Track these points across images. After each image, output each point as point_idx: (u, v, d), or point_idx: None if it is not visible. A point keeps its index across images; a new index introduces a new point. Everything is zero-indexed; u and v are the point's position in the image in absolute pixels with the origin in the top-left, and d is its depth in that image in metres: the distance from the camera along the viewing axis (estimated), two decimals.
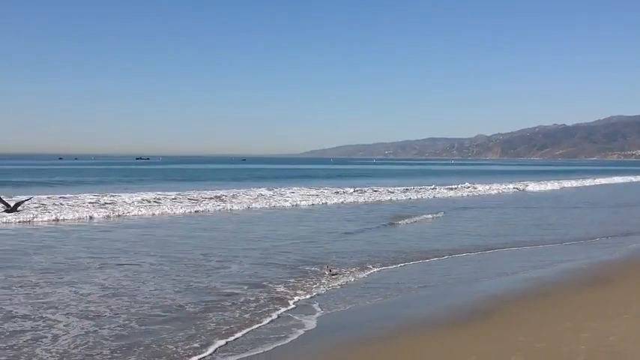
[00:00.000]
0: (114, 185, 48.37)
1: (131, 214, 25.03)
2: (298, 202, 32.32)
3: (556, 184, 56.18)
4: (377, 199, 36.86)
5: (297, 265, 13.83)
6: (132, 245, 16.79)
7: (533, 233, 20.84)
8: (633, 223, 24.83)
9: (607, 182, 66.96)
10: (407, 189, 43.09)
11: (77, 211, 24.22)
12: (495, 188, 47.78)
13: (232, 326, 8.90)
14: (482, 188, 46.72)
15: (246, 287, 11.48)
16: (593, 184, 62.72)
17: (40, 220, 22.34)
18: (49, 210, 24.27)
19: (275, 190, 38.90)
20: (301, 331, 8.75)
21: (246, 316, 9.49)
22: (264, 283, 11.90)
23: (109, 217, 24.00)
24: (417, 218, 24.94)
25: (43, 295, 10.70)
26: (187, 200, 30.26)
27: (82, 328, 8.69)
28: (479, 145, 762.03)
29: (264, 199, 32.95)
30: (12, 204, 23.70)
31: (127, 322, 9.07)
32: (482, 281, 12.50)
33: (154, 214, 25.39)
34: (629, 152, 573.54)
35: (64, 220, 22.72)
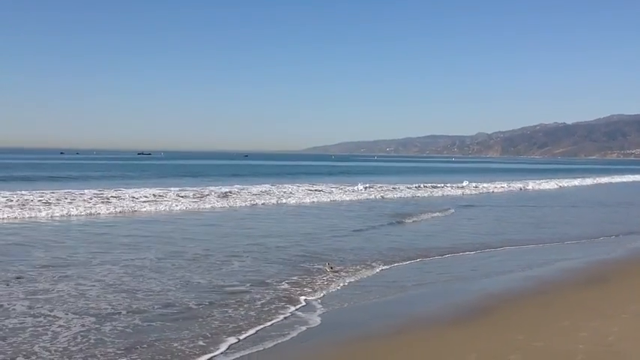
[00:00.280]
0: (116, 181, 48.44)
1: (133, 209, 25.09)
2: (302, 199, 32.37)
3: (557, 183, 56.19)
4: (383, 196, 36.91)
5: (300, 262, 13.88)
6: (133, 241, 16.84)
7: (532, 232, 20.91)
8: (632, 222, 24.88)
9: (607, 181, 66.98)
10: (411, 186, 43.20)
11: (79, 207, 24.28)
12: (498, 186, 47.82)
13: (238, 324, 8.90)
14: (485, 186, 46.75)
15: (249, 284, 11.52)
16: (593, 183, 62.73)
17: (43, 215, 22.38)
18: (52, 205, 24.34)
19: (279, 186, 38.93)
20: (303, 328, 8.81)
21: (252, 313, 9.52)
22: (267, 280, 11.94)
23: (110, 212, 24.05)
24: (423, 216, 25.00)
25: (42, 291, 10.71)
26: (190, 196, 30.32)
27: (83, 325, 8.67)
28: (480, 142, 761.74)
29: (268, 195, 33.02)
30: None
31: (129, 319, 9.07)
32: (482, 279, 12.55)
33: (156, 210, 25.46)
34: (628, 151, 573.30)
35: (68, 215, 22.77)
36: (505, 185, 49.32)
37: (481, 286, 11.86)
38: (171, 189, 33.48)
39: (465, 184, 46.77)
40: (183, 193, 31.31)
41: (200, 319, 9.11)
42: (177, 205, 26.91)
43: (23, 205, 24.26)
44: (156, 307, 9.78)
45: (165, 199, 28.91)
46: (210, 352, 7.71)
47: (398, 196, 37.63)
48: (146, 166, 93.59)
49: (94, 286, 11.17)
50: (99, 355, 7.50)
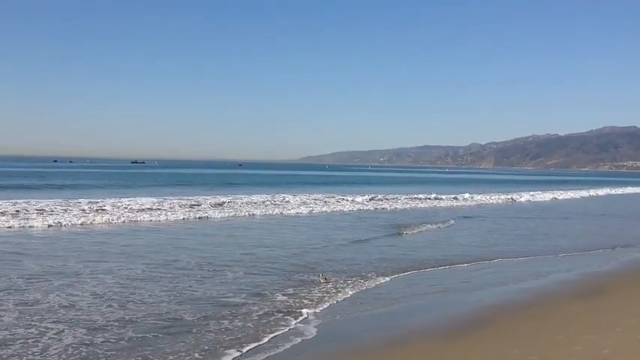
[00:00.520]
0: (110, 190, 48.09)
1: (128, 219, 24.91)
2: (298, 209, 32.30)
3: (552, 195, 56.48)
4: (382, 207, 36.88)
5: (294, 274, 13.82)
6: (125, 251, 16.73)
7: (526, 244, 20.92)
8: (626, 235, 24.94)
9: (601, 194, 67.19)
10: (411, 197, 43.28)
11: (74, 216, 24.16)
12: (494, 198, 47.87)
13: (236, 337, 8.83)
14: (480, 198, 46.82)
15: (243, 295, 11.47)
16: (588, 195, 62.97)
17: (37, 224, 22.18)
18: (45, 214, 24.21)
19: (274, 195, 38.80)
20: (298, 340, 8.76)
21: (249, 325, 9.46)
22: (262, 291, 11.89)
23: (105, 222, 23.89)
24: (423, 227, 24.85)
25: (33, 301, 10.59)
26: (185, 205, 30.21)
27: (75, 337, 8.57)
28: (473, 153, 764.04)
29: (263, 205, 32.97)
30: None
31: (121, 330, 8.98)
32: (476, 291, 12.52)
33: (151, 220, 25.31)
34: (620, 163, 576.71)
35: (59, 224, 22.55)
36: (503, 197, 49.42)
37: (477, 297, 11.84)
38: (166, 198, 33.40)
39: (466, 195, 46.89)
40: (178, 203, 31.18)
41: (194, 331, 9.03)
42: (172, 215, 26.77)
43: (17, 213, 24.12)
44: (149, 318, 9.69)
45: (160, 208, 28.78)
46: None
47: (398, 207, 37.54)
48: (140, 174, 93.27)
49: (85, 296, 11.07)
50: None
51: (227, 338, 8.74)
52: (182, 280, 12.75)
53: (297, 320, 9.85)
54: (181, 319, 9.73)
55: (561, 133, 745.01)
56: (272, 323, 9.61)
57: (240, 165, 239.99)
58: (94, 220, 23.86)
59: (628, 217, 35.20)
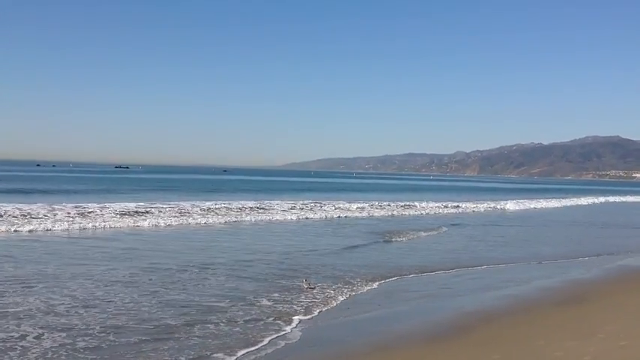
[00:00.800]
0: (93, 195, 47.59)
1: (109, 224, 24.64)
2: (286, 216, 32.21)
3: (537, 203, 57.04)
4: (368, 213, 36.84)
5: (278, 279, 13.78)
6: (105, 255, 16.57)
7: (512, 251, 21.08)
8: (609, 243, 25.17)
9: (585, 202, 67.72)
10: (395, 204, 43.26)
11: (53, 221, 23.92)
12: (482, 206, 48.08)
13: (223, 341, 8.75)
14: (468, 205, 47.03)
15: (227, 300, 11.40)
16: (571, 204, 63.50)
17: (17, 229, 21.86)
18: (27, 219, 23.93)
19: (261, 202, 38.44)
20: (282, 344, 8.73)
21: (234, 329, 9.40)
22: (246, 296, 11.83)
23: (85, 227, 23.60)
24: (411, 235, 24.65)
25: (12, 304, 10.46)
26: (168, 211, 29.97)
27: (54, 341, 8.46)
28: (457, 161, 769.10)
29: (249, 210, 32.81)
30: None
31: (102, 334, 8.87)
32: (459, 298, 12.56)
33: (134, 225, 25.03)
34: (603, 172, 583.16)
35: (40, 229, 22.24)
36: (492, 205, 49.73)
37: (460, 304, 11.86)
38: (152, 204, 33.12)
39: (454, 203, 47.10)
40: (161, 208, 30.95)
41: (177, 336, 8.94)
42: (155, 220, 26.56)
43: (0, 217, 23.82)
44: (131, 322, 9.59)
45: (144, 213, 28.53)
46: None
47: (386, 214, 37.57)
48: (125, 180, 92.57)
49: (65, 300, 10.93)
50: None
51: (212, 342, 8.68)
52: (164, 285, 12.63)
53: (281, 325, 9.80)
54: (165, 323, 9.63)
55: (545, 142, 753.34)
56: (255, 328, 9.55)
57: (224, 171, 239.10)
58: (76, 225, 23.58)
59: (613, 226, 35.54)
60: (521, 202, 55.83)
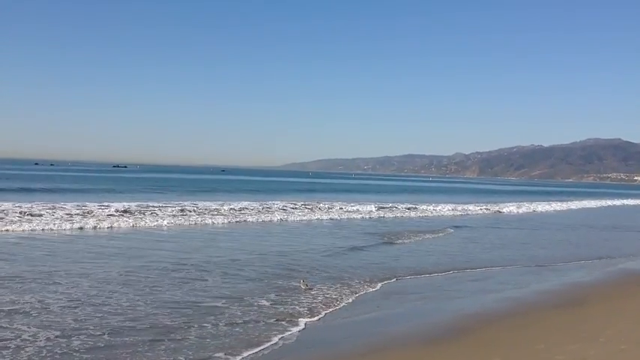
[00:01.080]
0: (91, 194, 47.41)
1: (107, 223, 24.55)
2: (285, 216, 32.10)
3: (538, 206, 56.93)
4: (368, 215, 36.68)
5: (276, 279, 13.69)
6: (101, 254, 16.49)
7: (509, 254, 20.99)
8: (610, 246, 25.11)
9: (587, 206, 67.50)
10: (399, 206, 43.08)
11: (50, 220, 23.83)
12: (482, 209, 47.99)
13: (222, 341, 8.69)
14: (470, 208, 46.93)
15: (224, 300, 11.31)
16: (574, 206, 63.28)
17: (13, 228, 21.76)
18: (23, 218, 23.81)
19: (261, 202, 38.18)
20: (279, 345, 8.66)
21: (230, 330, 9.32)
22: (244, 296, 11.74)
23: (82, 226, 23.49)
24: (414, 237, 24.42)
25: (8, 302, 10.38)
26: (166, 210, 29.84)
27: (49, 339, 8.38)
28: (457, 163, 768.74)
29: (248, 210, 32.66)
30: None
31: (97, 333, 8.79)
32: (458, 300, 12.49)
33: (131, 225, 24.91)
34: (604, 175, 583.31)
35: (37, 229, 22.14)
36: (493, 208, 49.65)
37: (459, 306, 11.79)
38: (148, 202, 32.97)
39: (454, 206, 47.00)
40: (159, 207, 30.81)
41: (173, 336, 8.86)
42: (152, 219, 26.46)
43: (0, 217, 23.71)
44: (126, 322, 9.50)
45: (141, 212, 28.42)
46: None
47: (386, 215, 37.37)
48: (122, 179, 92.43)
49: (60, 299, 10.83)
50: None
51: (211, 342, 8.62)
52: (160, 284, 12.55)
53: (279, 325, 9.72)
54: (161, 323, 9.55)
55: (545, 144, 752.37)
56: (253, 328, 9.47)
57: (223, 170, 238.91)
58: (74, 224, 23.50)
59: (614, 229, 35.45)
60: (525, 205, 55.81)
